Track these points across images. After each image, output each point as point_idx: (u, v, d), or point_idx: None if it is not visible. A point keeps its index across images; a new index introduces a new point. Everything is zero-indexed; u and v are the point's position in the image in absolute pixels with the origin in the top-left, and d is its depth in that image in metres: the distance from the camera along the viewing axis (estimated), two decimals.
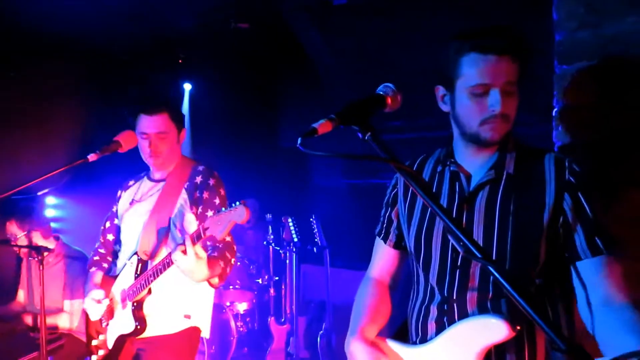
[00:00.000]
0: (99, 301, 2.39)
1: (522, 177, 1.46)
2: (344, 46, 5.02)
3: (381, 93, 1.26)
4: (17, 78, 4.27)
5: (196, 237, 2.04)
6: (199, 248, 2.07)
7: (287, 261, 4.29)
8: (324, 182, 5.83)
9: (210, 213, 2.33)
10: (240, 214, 1.94)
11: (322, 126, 1.13)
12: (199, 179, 2.41)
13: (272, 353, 4.18)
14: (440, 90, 1.54)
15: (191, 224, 2.38)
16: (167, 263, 2.17)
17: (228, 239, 2.30)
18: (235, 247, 2.39)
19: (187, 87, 6.08)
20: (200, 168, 2.45)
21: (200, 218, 2.36)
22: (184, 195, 2.39)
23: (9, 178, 3.96)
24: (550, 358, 1.43)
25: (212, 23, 4.88)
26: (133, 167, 2.65)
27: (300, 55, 5.22)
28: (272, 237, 5.03)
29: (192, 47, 5.37)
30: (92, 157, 2.16)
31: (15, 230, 3.51)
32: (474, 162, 1.53)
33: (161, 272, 2.20)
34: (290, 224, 4.27)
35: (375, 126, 1.16)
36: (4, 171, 4.10)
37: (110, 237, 2.64)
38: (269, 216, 5.14)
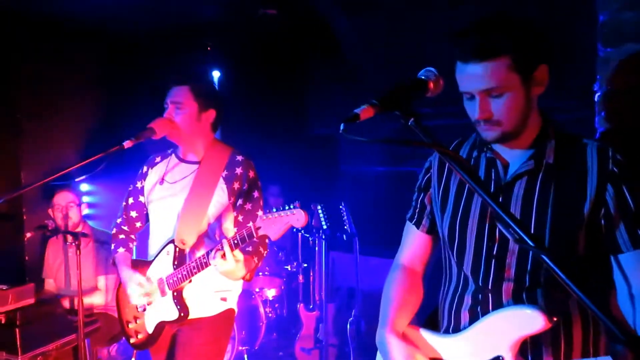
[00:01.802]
0: (141, 285, 2.41)
1: (562, 167, 1.41)
2: (373, 30, 4.96)
3: (423, 78, 1.23)
4: (48, 70, 4.38)
5: (247, 236, 2.05)
6: (237, 252, 2.09)
7: (317, 248, 4.29)
8: (353, 169, 5.80)
9: (248, 206, 2.37)
10: (298, 218, 1.95)
11: (364, 112, 1.11)
12: (239, 171, 2.39)
13: (302, 339, 4.21)
14: None
15: (228, 214, 2.38)
16: (205, 263, 2.20)
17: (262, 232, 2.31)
18: (267, 240, 2.38)
19: (216, 74, 6.10)
20: (240, 158, 2.43)
21: (239, 210, 2.37)
22: (222, 184, 2.39)
23: (46, 167, 4.10)
24: (587, 350, 1.41)
25: (240, 9, 4.87)
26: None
27: (329, 41, 5.18)
28: None
29: (220, 35, 5.37)
30: (127, 143, 2.18)
31: (72, 198, 3.69)
32: (511, 151, 1.49)
33: (205, 267, 2.22)
34: (320, 211, 4.26)
35: None
36: (41, 160, 4.22)
37: (133, 214, 2.60)
38: (297, 204, 5.13)
